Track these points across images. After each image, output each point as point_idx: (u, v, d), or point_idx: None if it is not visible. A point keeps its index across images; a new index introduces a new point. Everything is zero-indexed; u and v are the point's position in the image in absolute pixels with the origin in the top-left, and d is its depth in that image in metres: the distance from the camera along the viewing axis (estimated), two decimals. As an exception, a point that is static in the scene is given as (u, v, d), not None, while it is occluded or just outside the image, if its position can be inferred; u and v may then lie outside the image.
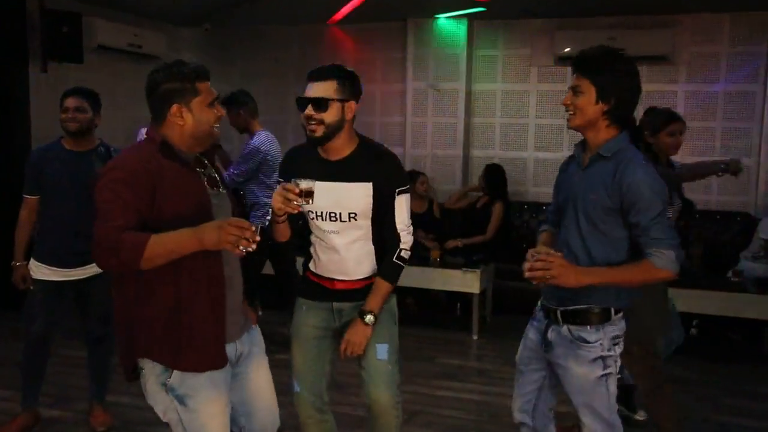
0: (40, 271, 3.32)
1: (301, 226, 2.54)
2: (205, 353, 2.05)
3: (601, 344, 2.20)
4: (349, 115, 2.35)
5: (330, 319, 2.53)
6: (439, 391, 4.17)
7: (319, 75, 2.33)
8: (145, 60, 6.55)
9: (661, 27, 5.93)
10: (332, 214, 2.40)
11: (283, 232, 2.45)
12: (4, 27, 5.30)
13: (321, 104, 2.30)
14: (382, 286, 2.46)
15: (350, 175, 2.38)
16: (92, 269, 3.36)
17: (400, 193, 2.42)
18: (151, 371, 2.06)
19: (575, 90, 2.17)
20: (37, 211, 3.37)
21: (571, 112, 2.20)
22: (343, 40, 6.97)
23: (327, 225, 2.42)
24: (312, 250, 2.54)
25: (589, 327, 2.20)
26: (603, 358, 2.21)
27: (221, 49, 7.27)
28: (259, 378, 2.29)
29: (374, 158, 2.42)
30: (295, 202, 2.15)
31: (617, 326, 2.24)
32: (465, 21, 6.38)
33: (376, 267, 2.49)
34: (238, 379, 2.22)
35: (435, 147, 6.64)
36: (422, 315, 5.76)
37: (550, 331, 2.29)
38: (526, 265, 2.10)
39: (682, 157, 6.06)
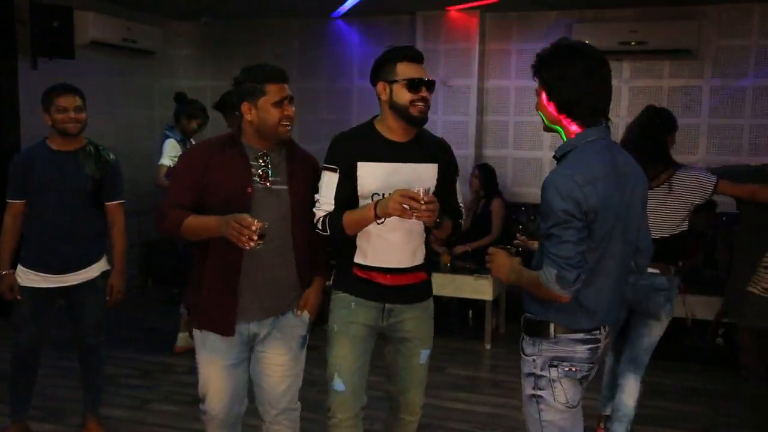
0: (27, 277, 3.33)
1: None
2: (210, 318, 2.55)
3: (534, 360, 2.14)
4: None
5: (379, 318, 2.61)
6: (450, 403, 4.17)
7: (419, 56, 2.52)
8: (139, 55, 6.59)
9: (685, 19, 5.92)
10: None
11: (358, 231, 2.54)
12: (-7, 21, 5.35)
13: (432, 87, 2.51)
14: (449, 221, 2.60)
15: (419, 156, 2.55)
16: (84, 275, 3.38)
17: (457, 173, 2.70)
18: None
19: (536, 92, 2.21)
20: (23, 215, 3.38)
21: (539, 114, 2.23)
22: (349, 33, 7.00)
23: None
24: (361, 241, 2.56)
25: (527, 337, 2.19)
26: (535, 376, 2.14)
27: (220, 43, 7.30)
28: (273, 362, 2.61)
29: (435, 142, 2.66)
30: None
31: (560, 347, 2.12)
32: (477, 13, 6.39)
33: (424, 260, 2.64)
34: (256, 355, 2.65)
35: (445, 146, 6.64)
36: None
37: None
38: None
39: (709, 156, 6.08)
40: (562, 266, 1.97)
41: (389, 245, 2.54)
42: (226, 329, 2.54)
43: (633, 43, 5.95)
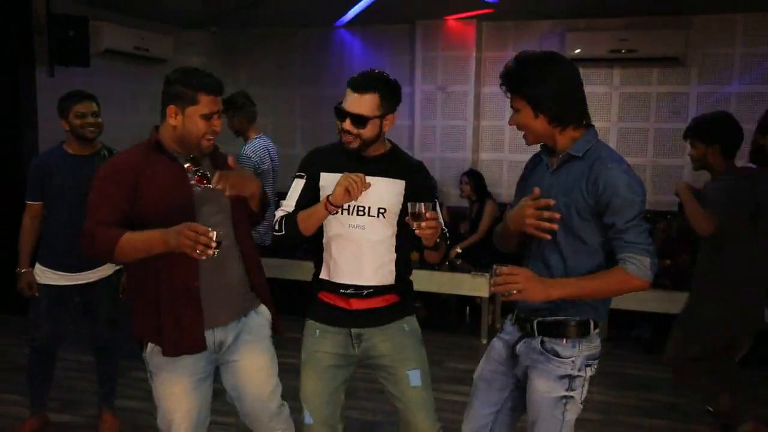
0: (45, 275, 3.35)
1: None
2: (179, 340, 2.24)
3: (573, 361, 2.07)
4: (387, 128, 2.34)
5: (348, 345, 2.41)
6: (448, 395, 4.17)
7: (361, 86, 2.26)
8: (151, 63, 6.61)
9: (673, 28, 5.93)
10: (360, 208, 2.34)
11: (313, 228, 2.37)
12: (11, 31, 5.36)
13: (360, 121, 2.26)
14: (443, 244, 2.38)
15: (384, 171, 2.36)
16: (98, 273, 3.39)
17: (436, 197, 2.41)
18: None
19: (513, 109, 2.09)
20: (41, 216, 3.39)
21: (523, 132, 2.12)
22: (351, 42, 7.01)
23: (353, 219, 2.34)
24: (325, 254, 2.41)
25: (565, 341, 2.08)
26: (570, 377, 2.07)
27: (228, 52, 7.31)
28: (250, 365, 2.38)
29: (407, 162, 2.47)
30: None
31: (593, 344, 2.11)
32: (474, 22, 6.40)
33: (394, 280, 2.40)
34: (229, 366, 2.39)
35: (443, 150, 6.66)
36: (431, 319, 5.76)
37: (520, 344, 2.17)
38: (491, 282, 2.00)
39: (695, 159, 6.07)
40: (651, 253, 1.95)
41: (350, 258, 2.35)
42: (199, 345, 2.27)
43: (623, 51, 5.96)
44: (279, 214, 2.38)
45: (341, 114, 2.29)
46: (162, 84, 2.27)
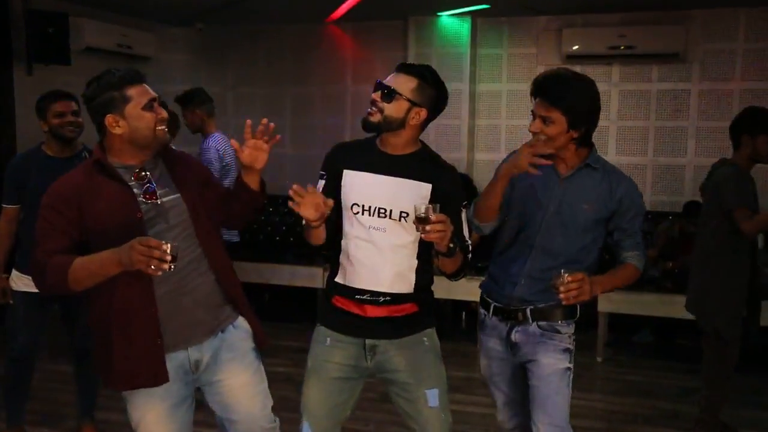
0: (22, 282, 3.30)
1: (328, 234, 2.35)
2: (133, 375, 2.13)
3: (569, 337, 2.41)
4: (413, 121, 2.26)
5: (360, 357, 2.31)
6: (444, 405, 4.15)
7: (405, 68, 2.30)
8: (135, 61, 6.57)
9: (672, 23, 5.95)
10: (381, 210, 2.25)
11: (319, 236, 2.30)
12: (-12, 28, 5.33)
13: (389, 94, 2.23)
14: (460, 253, 2.29)
15: (410, 172, 2.28)
16: (80, 280, 3.36)
17: (464, 207, 2.38)
18: None
19: (545, 120, 2.26)
20: (18, 220, 3.35)
21: (543, 137, 2.30)
22: (341, 39, 7.00)
23: (374, 221, 2.25)
24: (342, 257, 2.32)
25: (560, 321, 2.40)
26: (569, 351, 2.40)
27: (214, 49, 7.29)
28: (236, 385, 2.30)
29: (437, 163, 2.37)
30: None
31: (573, 324, 2.44)
32: (468, 19, 6.40)
33: (413, 289, 2.32)
34: (213, 387, 2.30)
35: (438, 150, 6.46)
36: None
37: (514, 333, 2.43)
38: (562, 290, 2.16)
39: (698, 158, 6.10)
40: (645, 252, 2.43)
41: (368, 262, 2.27)
42: (158, 376, 2.14)
43: (622, 48, 5.97)
44: None
45: (377, 86, 2.28)
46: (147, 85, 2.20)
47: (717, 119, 6.01)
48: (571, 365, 2.41)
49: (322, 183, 2.34)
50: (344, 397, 2.35)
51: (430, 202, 2.25)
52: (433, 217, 2.05)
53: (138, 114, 2.12)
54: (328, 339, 2.34)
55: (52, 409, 3.99)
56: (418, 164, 2.31)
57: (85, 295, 2.14)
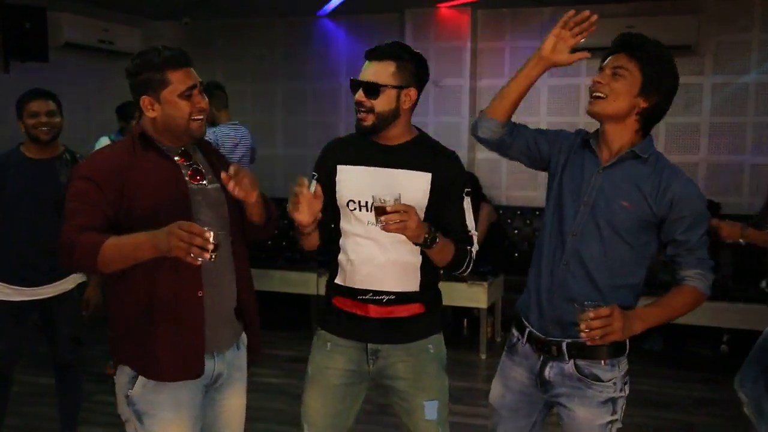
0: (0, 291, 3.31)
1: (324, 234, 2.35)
2: (175, 363, 2.06)
3: (614, 383, 2.07)
4: (406, 104, 2.24)
5: (362, 361, 2.30)
6: (445, 417, 4.16)
7: (375, 54, 2.22)
8: (117, 57, 6.55)
9: (684, 13, 5.94)
10: None
11: (312, 242, 2.30)
12: (-39, 24, 5.32)
13: (373, 90, 2.19)
14: (451, 243, 2.25)
15: (407, 162, 2.25)
16: (60, 287, 3.35)
17: (467, 194, 2.35)
18: (118, 379, 2.13)
19: (616, 71, 2.02)
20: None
21: (602, 95, 2.03)
22: (335, 32, 7.01)
23: (372, 216, 2.19)
24: (341, 257, 2.31)
25: (603, 362, 2.06)
26: (613, 400, 2.08)
27: (202, 44, 7.29)
28: (233, 407, 2.28)
29: (436, 150, 2.34)
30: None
31: (625, 361, 2.13)
32: (468, 10, 6.41)
33: (419, 286, 2.28)
34: (212, 404, 2.24)
35: (437, 149, 6.65)
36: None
37: (548, 369, 2.13)
38: (583, 327, 1.90)
39: (711, 156, 6.11)
40: (713, 268, 2.06)
41: (368, 260, 2.25)
42: (199, 367, 2.10)
43: (630, 40, 5.97)
44: None
45: (354, 85, 2.22)
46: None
47: (731, 114, 6.03)
48: (615, 417, 2.08)
49: (314, 184, 2.29)
50: (347, 404, 2.33)
51: (431, 191, 2.25)
52: (388, 207, 2.01)
53: (173, 101, 2.06)
54: (329, 344, 2.32)
55: (31, 424, 3.99)
56: (416, 153, 2.29)
57: (111, 281, 2.09)
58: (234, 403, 2.27)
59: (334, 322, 2.33)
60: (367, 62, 2.25)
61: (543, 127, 2.39)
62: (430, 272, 2.31)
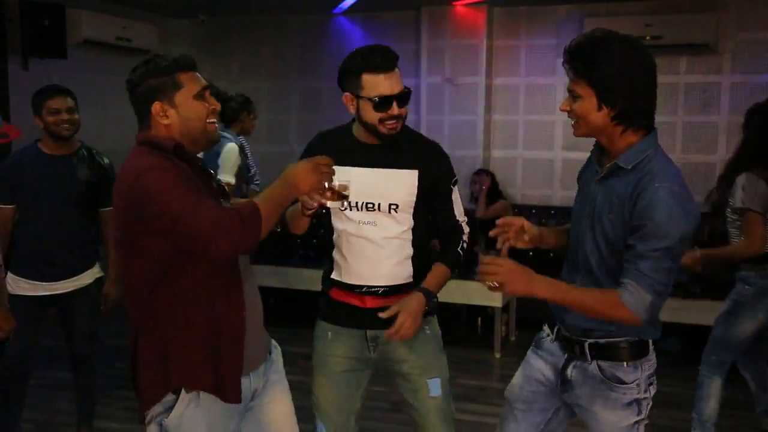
0: (18, 285, 3.34)
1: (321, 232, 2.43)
2: (225, 384, 1.96)
3: (638, 385, 2.06)
4: None
5: (363, 348, 2.40)
6: (459, 414, 4.13)
7: (390, 63, 2.26)
8: (135, 54, 6.61)
9: (702, 11, 5.91)
10: (369, 205, 2.31)
11: (304, 225, 2.31)
12: (-19, 20, 5.38)
13: (406, 98, 2.28)
14: (442, 271, 2.38)
15: (393, 161, 2.31)
16: (76, 282, 3.40)
17: (454, 184, 2.43)
18: (154, 410, 1.99)
19: (572, 93, 1.94)
20: (13, 221, 3.38)
21: (573, 120, 1.98)
22: (351, 30, 7.02)
23: (363, 215, 2.32)
24: (335, 254, 2.40)
25: (625, 364, 2.04)
26: (638, 401, 2.06)
27: (218, 41, 7.33)
28: (279, 412, 2.16)
29: (420, 145, 2.40)
30: (327, 195, 2.03)
31: (652, 360, 2.11)
32: (484, 8, 6.40)
33: (412, 277, 2.37)
34: (255, 412, 2.12)
35: (452, 147, 6.63)
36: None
37: (570, 368, 2.12)
38: (477, 269, 1.96)
39: (726, 155, 6.04)
40: (659, 294, 1.89)
41: (362, 257, 2.33)
42: (239, 392, 1.98)
43: (648, 38, 5.93)
44: None
45: (385, 102, 2.21)
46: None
47: (749, 114, 5.97)
48: (639, 417, 2.07)
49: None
50: (352, 388, 2.43)
51: (419, 188, 2.32)
52: (391, 330, 2.20)
53: (189, 103, 1.98)
54: (329, 333, 2.42)
55: (48, 418, 4.03)
56: (401, 151, 2.33)
57: (178, 307, 1.93)
58: (279, 407, 2.15)
59: (332, 313, 2.43)
60: (384, 74, 2.24)
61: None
62: (421, 262, 2.40)
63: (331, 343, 2.41)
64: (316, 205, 2.12)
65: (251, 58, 7.32)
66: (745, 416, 4.22)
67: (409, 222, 2.36)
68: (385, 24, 6.85)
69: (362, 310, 2.36)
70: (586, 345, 2.07)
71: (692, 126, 6.15)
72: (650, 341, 2.08)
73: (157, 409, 1.98)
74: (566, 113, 1.99)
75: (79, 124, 3.35)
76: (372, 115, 2.24)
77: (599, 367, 2.06)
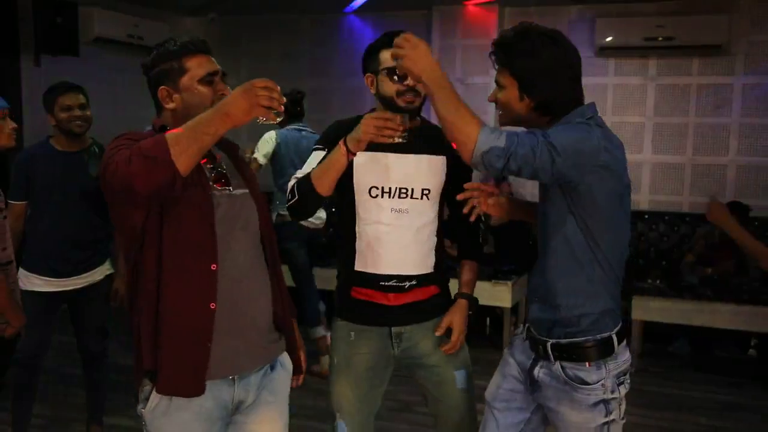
0: (30, 282, 3.35)
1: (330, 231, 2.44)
2: (180, 376, 1.86)
3: (603, 385, 2.00)
4: None
5: (387, 345, 2.37)
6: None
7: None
8: (146, 52, 6.63)
9: (715, 12, 5.89)
10: (402, 191, 2.29)
11: (327, 182, 2.21)
12: (-5, 18, 5.42)
13: None
14: (475, 268, 2.49)
15: (423, 147, 2.32)
16: (89, 278, 3.42)
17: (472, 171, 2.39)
18: (140, 396, 1.96)
19: (497, 83, 2.00)
20: (25, 217, 3.40)
21: (500, 110, 2.04)
22: (361, 30, 7.02)
23: (395, 203, 2.29)
24: (359, 244, 2.32)
25: (587, 364, 2.00)
26: (605, 402, 2.00)
27: (228, 40, 7.35)
28: (263, 430, 2.04)
29: (442, 134, 2.31)
30: (393, 133, 2.06)
31: (621, 359, 2.04)
32: (495, 8, 6.40)
33: (434, 268, 2.38)
34: (234, 428, 2.02)
35: (462, 147, 6.65)
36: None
37: (537, 368, 2.08)
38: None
39: (740, 157, 6.03)
40: (474, 155, 1.85)
41: (393, 246, 2.30)
42: (197, 387, 1.86)
43: (660, 39, 5.92)
44: (291, 182, 2.28)
45: (399, 72, 2.15)
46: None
47: (762, 116, 5.95)
48: (609, 418, 2.00)
49: (320, 154, 2.30)
50: (375, 386, 2.41)
51: (447, 174, 2.35)
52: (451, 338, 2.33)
53: (193, 88, 1.91)
54: (352, 333, 2.37)
55: (59, 413, 4.06)
56: (428, 137, 2.35)
57: (134, 280, 1.90)
58: (265, 429, 2.04)
59: (354, 311, 2.38)
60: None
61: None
62: (441, 254, 2.42)
63: (356, 342, 2.37)
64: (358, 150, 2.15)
65: (261, 58, 7.33)
66: (749, 419, 4.22)
67: (435, 210, 2.37)
68: (396, 23, 6.84)
69: (387, 308, 2.34)
70: (548, 345, 2.04)
71: (703, 127, 6.12)
72: (615, 338, 2.02)
73: (141, 395, 1.95)
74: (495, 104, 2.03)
75: (90, 120, 3.37)
76: (389, 87, 2.25)
77: (562, 367, 2.02)
